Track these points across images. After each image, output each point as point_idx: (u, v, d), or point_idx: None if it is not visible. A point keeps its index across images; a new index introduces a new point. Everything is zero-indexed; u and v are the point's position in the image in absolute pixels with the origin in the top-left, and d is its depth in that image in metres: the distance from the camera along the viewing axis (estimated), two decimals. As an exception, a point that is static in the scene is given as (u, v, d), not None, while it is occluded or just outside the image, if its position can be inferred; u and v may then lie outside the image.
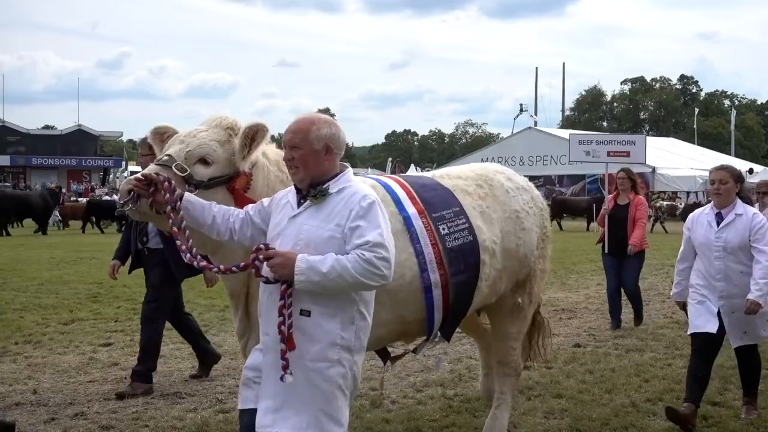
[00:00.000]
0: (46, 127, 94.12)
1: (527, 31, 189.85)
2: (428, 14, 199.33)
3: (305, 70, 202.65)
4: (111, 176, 72.60)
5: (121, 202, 3.92)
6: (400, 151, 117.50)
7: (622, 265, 10.69)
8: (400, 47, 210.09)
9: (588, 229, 32.85)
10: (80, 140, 70.47)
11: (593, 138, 11.90)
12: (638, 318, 10.74)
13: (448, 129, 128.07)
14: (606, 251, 10.96)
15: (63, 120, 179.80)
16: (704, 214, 6.39)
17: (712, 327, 6.08)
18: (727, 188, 6.23)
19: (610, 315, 10.68)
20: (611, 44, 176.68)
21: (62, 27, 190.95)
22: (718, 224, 6.21)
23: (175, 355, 8.55)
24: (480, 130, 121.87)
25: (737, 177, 6.30)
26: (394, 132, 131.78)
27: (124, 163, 78.16)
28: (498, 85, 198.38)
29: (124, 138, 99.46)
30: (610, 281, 10.89)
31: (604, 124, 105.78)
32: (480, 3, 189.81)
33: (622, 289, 10.82)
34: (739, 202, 6.27)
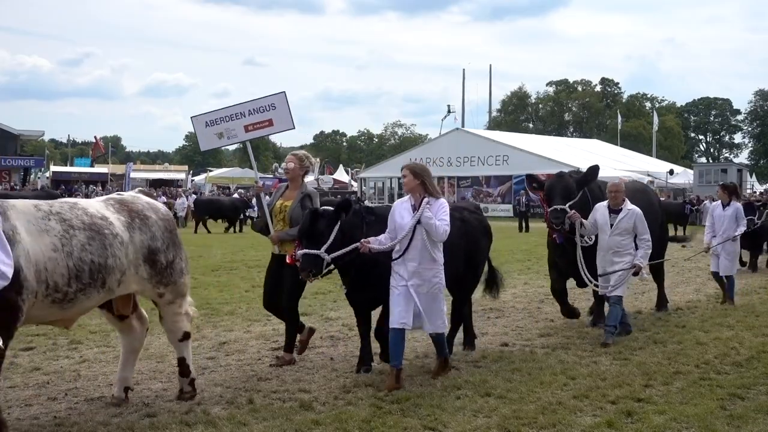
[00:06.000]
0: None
1: (464, 32, 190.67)
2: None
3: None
4: (32, 176, 70.76)
5: None
6: (329, 151, 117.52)
7: None
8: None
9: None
10: (-2, 139, 68.41)
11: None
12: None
13: (377, 130, 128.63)
14: None
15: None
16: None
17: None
18: None
19: None
20: (547, 46, 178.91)
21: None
22: None
23: (99, 358, 8.37)
24: (408, 131, 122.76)
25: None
26: (322, 132, 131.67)
27: (45, 162, 76.33)
28: (433, 86, 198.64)
29: (46, 137, 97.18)
30: None
31: (530, 125, 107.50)
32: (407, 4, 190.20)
33: None
34: None
